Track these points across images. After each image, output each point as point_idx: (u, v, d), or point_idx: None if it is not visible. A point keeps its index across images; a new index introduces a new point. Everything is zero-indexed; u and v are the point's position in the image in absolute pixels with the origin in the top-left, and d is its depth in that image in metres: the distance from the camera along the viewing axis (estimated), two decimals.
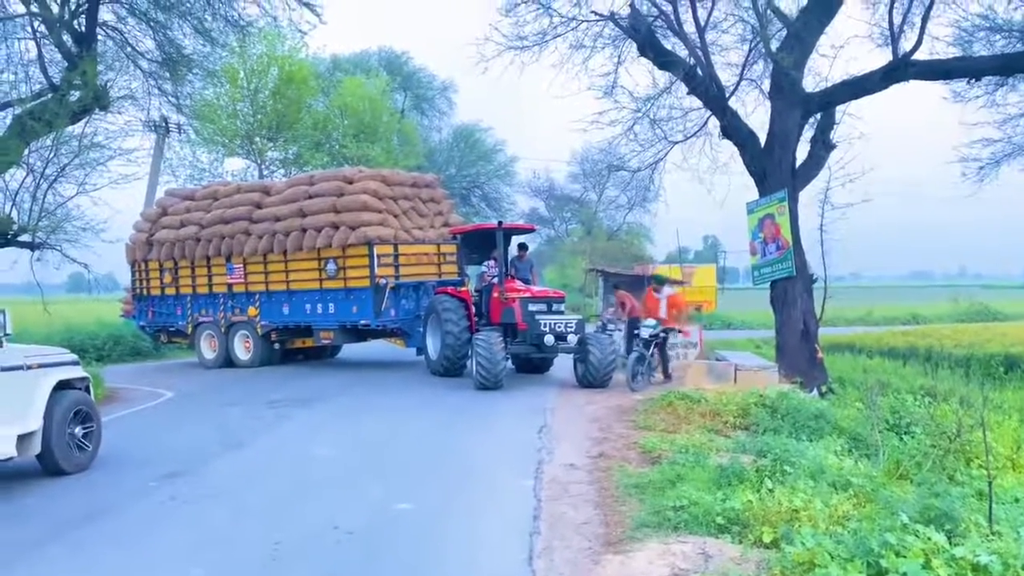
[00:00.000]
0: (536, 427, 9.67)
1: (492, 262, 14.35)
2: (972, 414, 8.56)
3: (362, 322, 15.59)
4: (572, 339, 12.95)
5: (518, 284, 13.87)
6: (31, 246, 14.24)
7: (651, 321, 13.10)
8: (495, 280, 13.96)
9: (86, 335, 19.76)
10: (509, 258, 14.47)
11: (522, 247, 15.15)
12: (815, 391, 12.93)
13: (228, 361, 17.39)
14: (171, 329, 18.76)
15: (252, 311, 17.04)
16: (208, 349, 17.88)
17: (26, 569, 5.35)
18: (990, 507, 5.38)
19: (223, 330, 17.50)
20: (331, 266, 15.72)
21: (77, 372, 8.30)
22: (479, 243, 14.84)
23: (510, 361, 13.76)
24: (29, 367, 7.52)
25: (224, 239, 17.13)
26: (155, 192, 25.32)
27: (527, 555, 5.30)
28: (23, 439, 7.33)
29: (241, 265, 17.11)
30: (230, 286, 17.39)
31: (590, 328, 14.63)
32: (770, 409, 10.06)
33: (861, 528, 4.98)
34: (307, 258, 16.12)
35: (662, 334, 13.07)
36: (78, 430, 7.94)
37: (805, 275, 14.28)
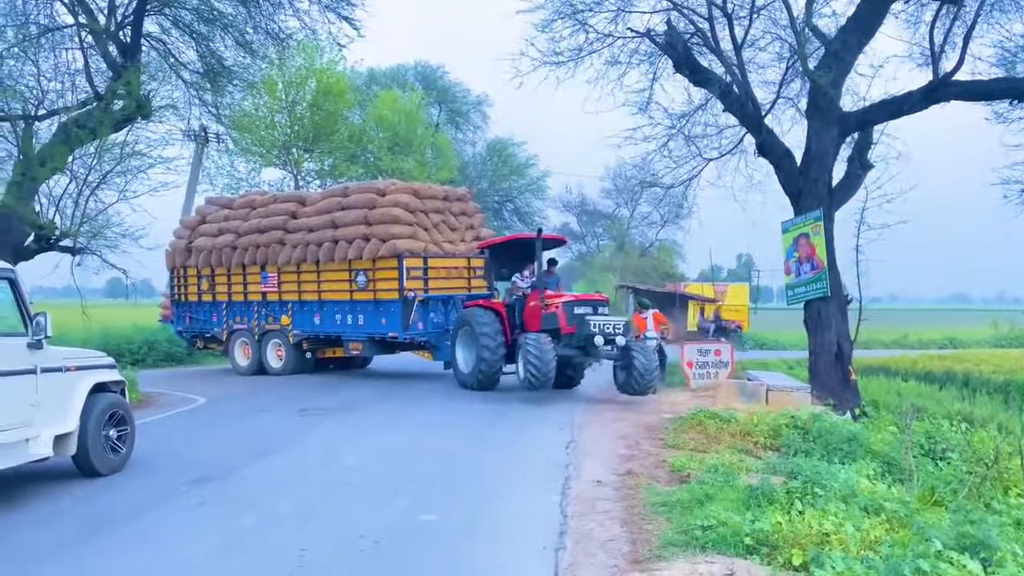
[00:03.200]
0: (563, 443, 9.64)
1: (523, 274, 14.38)
2: (1011, 441, 8.38)
3: (390, 334, 15.63)
4: (621, 341, 12.81)
5: (551, 292, 13.84)
6: (72, 251, 14.53)
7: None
8: (527, 291, 13.94)
9: (122, 339, 20.09)
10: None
11: (551, 262, 15.14)
12: (848, 413, 12.72)
13: (261, 369, 17.57)
14: (207, 335, 19.00)
15: (285, 320, 17.21)
16: (242, 356, 18.08)
17: (55, 570, 5.42)
18: None
19: (256, 338, 17.69)
20: (361, 278, 15.84)
21: (113, 375, 8.45)
22: (509, 256, 14.85)
23: None
24: (67, 369, 7.67)
25: (259, 248, 17.33)
26: (193, 200, 25.78)
27: (552, 571, 5.27)
28: (60, 439, 7.48)
29: (275, 274, 17.29)
30: (264, 294, 17.57)
31: None
32: (802, 431, 9.93)
33: (893, 554, 4.88)
34: (338, 269, 16.25)
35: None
36: (112, 432, 8.06)
37: (840, 296, 14.10)
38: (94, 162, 14.36)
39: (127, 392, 8.84)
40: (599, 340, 12.71)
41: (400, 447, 9.66)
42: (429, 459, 8.92)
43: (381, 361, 19.27)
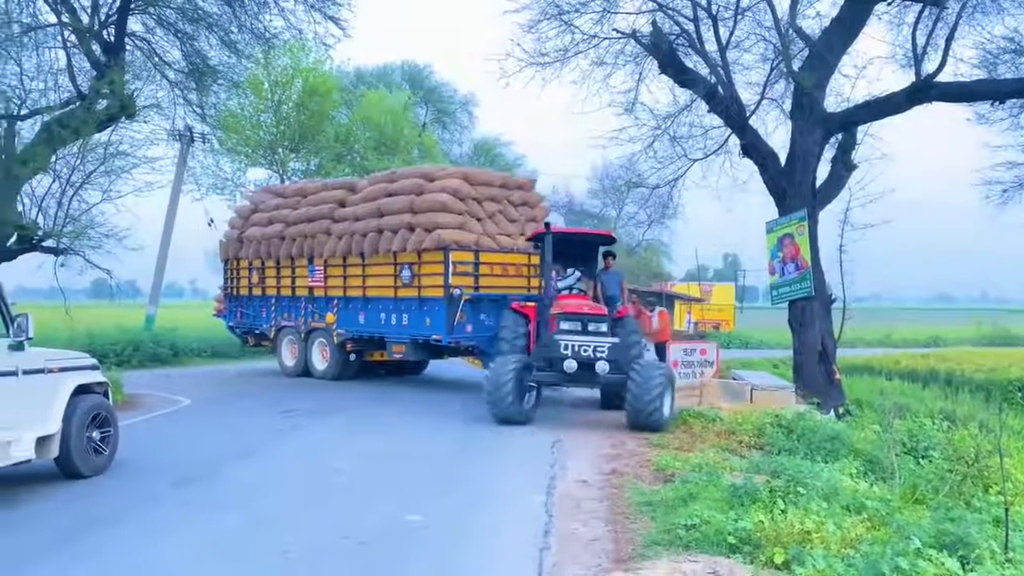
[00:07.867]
0: (550, 443, 9.66)
1: (561, 274, 12.73)
2: (991, 439, 8.46)
3: (434, 337, 13.94)
4: (603, 367, 10.71)
5: (565, 298, 12.12)
6: (55, 251, 14.43)
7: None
8: (555, 294, 12.22)
9: (107, 340, 19.90)
10: (578, 271, 12.88)
11: (608, 255, 13.41)
12: (832, 412, 12.82)
13: (306, 370, 16.45)
14: (257, 332, 17.95)
15: (330, 318, 15.91)
16: (289, 356, 16.99)
17: (39, 574, 5.38)
18: (1006, 534, 5.32)
19: (303, 336, 16.54)
20: (406, 272, 14.30)
21: (96, 377, 8.39)
22: (567, 252, 12.85)
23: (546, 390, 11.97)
24: (50, 370, 7.62)
25: (307, 238, 16.24)
26: (178, 200, 25.66)
27: (537, 571, 5.29)
28: (42, 442, 7.41)
29: (322, 267, 16.06)
30: (311, 289, 16.40)
31: None
32: (786, 430, 10.02)
33: (873, 552, 4.93)
34: (383, 262, 14.82)
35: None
36: (96, 434, 8.01)
37: (824, 295, 14.19)
38: (77, 162, 14.27)
39: (111, 393, 8.78)
40: (570, 365, 10.67)
41: (387, 449, 9.65)
42: (416, 461, 8.92)
43: (434, 368, 17.90)
